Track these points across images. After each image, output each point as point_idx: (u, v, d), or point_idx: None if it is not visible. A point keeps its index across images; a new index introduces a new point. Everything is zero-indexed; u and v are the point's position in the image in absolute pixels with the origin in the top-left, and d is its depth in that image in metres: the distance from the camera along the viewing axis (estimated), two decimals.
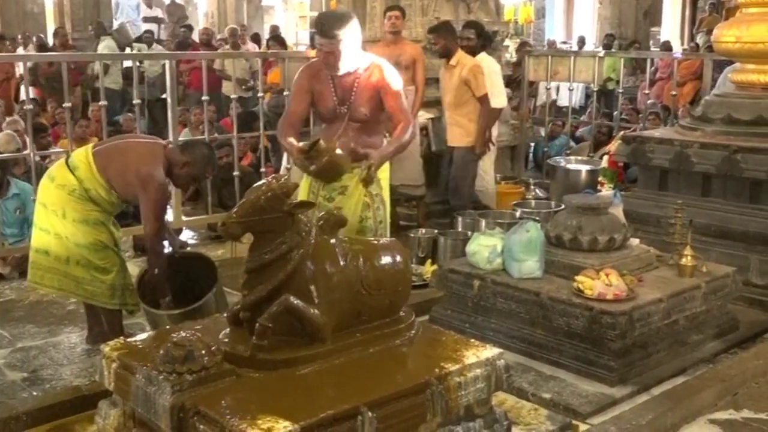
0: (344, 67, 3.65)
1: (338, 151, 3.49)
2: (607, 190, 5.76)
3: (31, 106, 5.14)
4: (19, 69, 9.44)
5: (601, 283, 3.59)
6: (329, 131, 3.82)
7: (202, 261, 3.97)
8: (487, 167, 6.20)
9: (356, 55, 3.65)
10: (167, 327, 3.23)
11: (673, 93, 7.49)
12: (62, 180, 3.77)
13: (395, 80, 3.77)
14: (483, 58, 6.12)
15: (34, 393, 3.43)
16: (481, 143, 5.96)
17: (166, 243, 3.94)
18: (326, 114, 3.82)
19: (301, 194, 3.79)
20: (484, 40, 6.28)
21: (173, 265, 3.84)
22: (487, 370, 2.67)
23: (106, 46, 10.47)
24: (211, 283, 3.77)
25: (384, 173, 3.89)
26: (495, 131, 6.16)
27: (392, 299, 2.81)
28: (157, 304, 3.73)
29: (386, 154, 3.75)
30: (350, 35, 3.57)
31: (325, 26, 3.57)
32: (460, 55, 5.97)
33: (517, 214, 5.55)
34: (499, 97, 6.11)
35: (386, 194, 3.91)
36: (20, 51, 11.29)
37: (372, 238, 3.24)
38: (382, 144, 3.87)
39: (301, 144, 3.58)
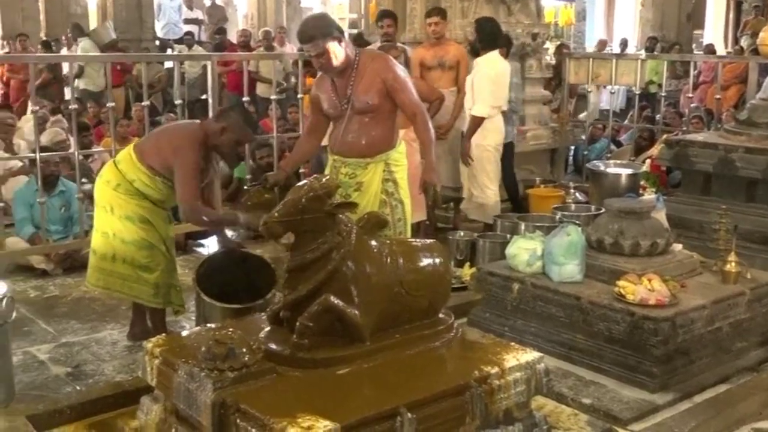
0: (338, 62, 3.67)
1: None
2: (649, 194, 5.68)
3: (75, 106, 5.22)
4: (65, 69, 9.64)
5: (643, 288, 3.55)
6: (336, 131, 3.85)
7: (257, 262, 3.93)
8: (485, 180, 5.81)
9: (346, 48, 3.70)
10: (209, 324, 3.25)
11: (717, 96, 7.38)
12: (108, 176, 3.82)
13: (398, 69, 3.78)
14: (485, 59, 5.72)
15: (78, 387, 3.49)
16: (464, 152, 5.72)
17: (215, 240, 3.94)
18: (333, 114, 3.84)
19: None
20: (491, 41, 5.76)
21: (230, 263, 3.86)
22: (526, 373, 2.66)
23: (82, 48, 10.45)
24: (265, 284, 3.76)
25: (401, 172, 3.88)
26: (490, 136, 5.76)
27: (431, 301, 2.82)
28: (216, 298, 3.75)
29: (431, 161, 3.69)
30: (328, 32, 3.65)
31: (303, 34, 3.71)
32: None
33: (557, 217, 5.52)
34: (481, 106, 5.62)
35: (405, 193, 3.89)
36: (64, 51, 11.48)
37: (415, 239, 3.24)
38: (393, 139, 3.84)
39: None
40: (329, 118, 3.91)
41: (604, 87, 9.32)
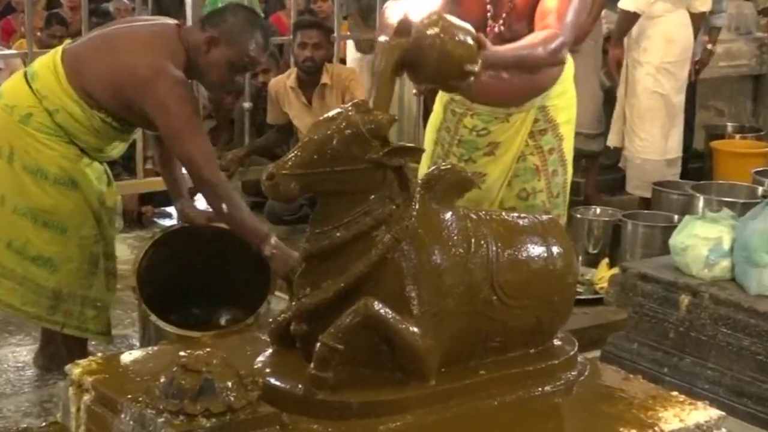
0: None
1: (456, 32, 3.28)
2: None
3: None
4: None
5: None
6: None
7: (239, 246, 3.96)
8: (646, 124, 5.95)
9: None
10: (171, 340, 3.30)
11: None
12: (12, 98, 3.80)
13: None
14: None
15: None
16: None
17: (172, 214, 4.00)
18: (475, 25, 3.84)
19: (427, 143, 4.00)
20: None
21: (191, 248, 3.95)
22: None
23: None
24: (257, 282, 3.86)
25: (566, 114, 3.95)
26: (657, 50, 5.86)
27: (541, 317, 2.83)
28: (171, 307, 3.81)
29: (501, 54, 3.65)
30: None
31: None
32: None
33: (759, 190, 5.50)
34: None
35: (569, 147, 3.98)
36: None
37: (520, 215, 3.24)
38: (556, 75, 3.92)
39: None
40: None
41: None
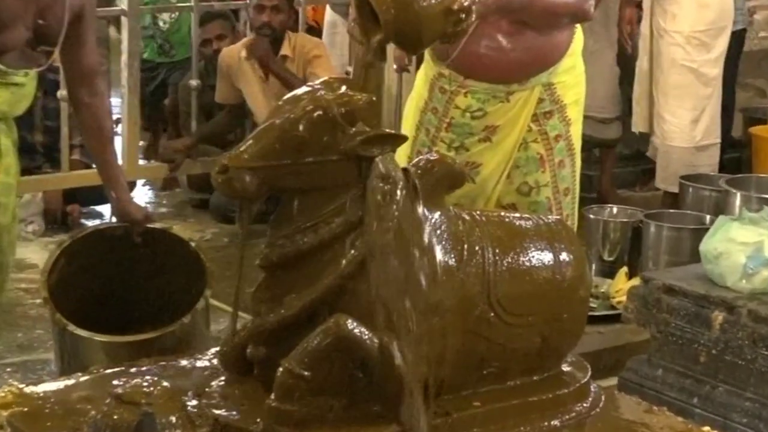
0: None
1: None
2: None
3: None
4: None
5: None
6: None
7: (179, 246, 4.04)
8: (672, 104, 6.04)
9: None
10: (102, 365, 3.28)
11: None
12: None
13: None
14: None
15: None
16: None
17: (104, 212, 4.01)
18: None
19: (407, 128, 4.01)
20: None
21: (121, 252, 3.94)
22: None
23: None
24: (192, 289, 3.85)
25: (574, 94, 4.00)
26: (688, 15, 5.92)
27: (548, 337, 2.84)
28: (92, 319, 3.79)
29: None
30: None
31: None
32: None
33: None
34: None
35: (577, 134, 4.03)
36: None
37: (521, 215, 3.25)
38: (566, 46, 3.97)
39: None
40: None
41: None
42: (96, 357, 3.69)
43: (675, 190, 5.75)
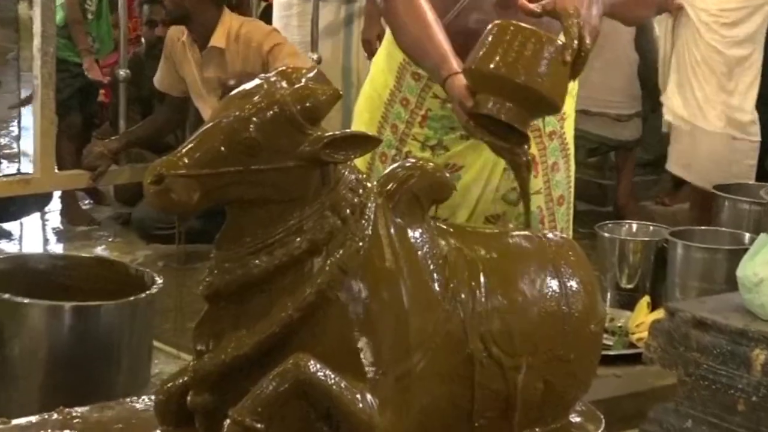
0: None
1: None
2: None
3: None
4: None
5: None
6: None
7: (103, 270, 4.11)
8: (705, 88, 6.14)
9: None
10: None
11: None
12: None
13: None
14: None
15: None
16: None
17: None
18: None
19: (364, 125, 3.97)
20: None
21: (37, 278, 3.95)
22: None
23: None
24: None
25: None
26: None
27: (552, 381, 2.84)
28: None
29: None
30: None
31: None
32: None
33: None
34: None
35: (571, 132, 4.06)
36: None
37: (520, 232, 3.27)
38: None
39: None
40: None
41: None
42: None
43: (697, 182, 5.71)
